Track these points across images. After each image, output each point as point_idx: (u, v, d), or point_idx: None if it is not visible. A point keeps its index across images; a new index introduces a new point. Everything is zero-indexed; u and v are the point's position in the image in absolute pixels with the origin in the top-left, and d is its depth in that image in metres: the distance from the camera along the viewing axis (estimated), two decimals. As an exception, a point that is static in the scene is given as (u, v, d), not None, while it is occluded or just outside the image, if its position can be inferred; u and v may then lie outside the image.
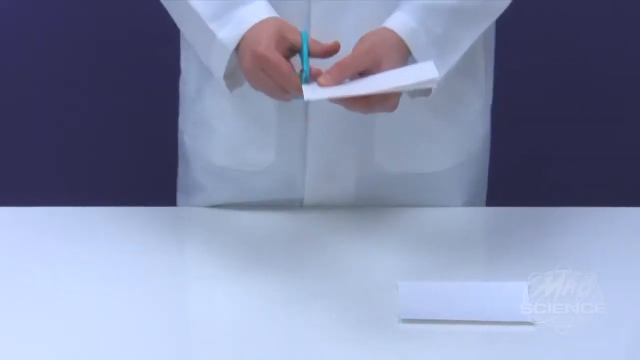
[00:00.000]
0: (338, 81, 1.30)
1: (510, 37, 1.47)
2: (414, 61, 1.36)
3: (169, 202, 1.60)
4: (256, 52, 1.31)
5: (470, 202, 1.60)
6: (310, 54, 1.32)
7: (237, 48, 1.36)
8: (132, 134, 2.29)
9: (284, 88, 1.31)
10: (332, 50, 1.33)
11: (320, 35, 1.37)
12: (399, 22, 1.36)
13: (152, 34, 1.44)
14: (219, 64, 1.38)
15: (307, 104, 1.42)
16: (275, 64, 1.30)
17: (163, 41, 1.47)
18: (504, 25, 1.45)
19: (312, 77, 1.31)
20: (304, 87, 1.29)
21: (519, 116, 2.21)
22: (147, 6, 1.46)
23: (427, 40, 1.36)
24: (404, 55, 1.35)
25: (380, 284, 1.36)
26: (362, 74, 1.32)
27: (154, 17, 1.48)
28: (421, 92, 1.38)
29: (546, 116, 2.27)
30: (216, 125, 1.53)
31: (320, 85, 1.29)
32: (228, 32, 1.36)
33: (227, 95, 1.43)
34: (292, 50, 1.33)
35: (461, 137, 1.55)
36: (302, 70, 1.31)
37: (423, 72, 1.29)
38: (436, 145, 1.53)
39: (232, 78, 1.40)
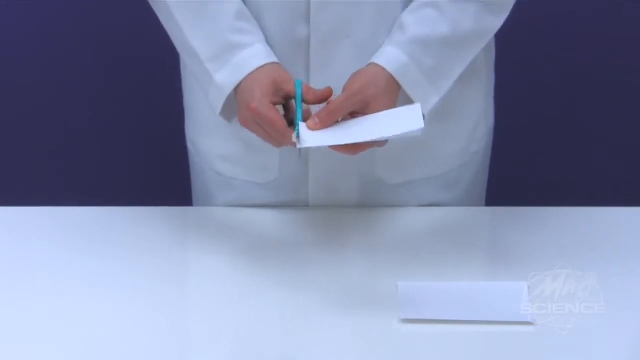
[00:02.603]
0: (326, 125, 1.31)
1: (510, 37, 1.46)
2: (405, 95, 1.36)
3: (177, 203, 1.59)
4: (250, 108, 1.32)
5: (470, 202, 1.60)
6: (304, 102, 1.33)
7: (237, 89, 1.36)
8: (136, 135, 2.30)
9: (279, 142, 1.32)
10: (324, 97, 1.33)
11: (319, 60, 1.39)
12: (389, 57, 1.36)
13: (163, 31, 1.44)
14: (215, 103, 1.39)
15: None
16: (270, 120, 1.31)
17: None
18: (504, 27, 1.45)
19: (303, 119, 1.32)
20: (296, 135, 1.31)
21: (519, 116, 2.21)
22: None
23: (419, 73, 1.36)
24: (394, 93, 1.35)
25: (380, 284, 1.36)
26: (352, 114, 1.33)
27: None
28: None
29: (546, 116, 2.27)
30: (218, 139, 1.54)
31: (309, 128, 1.30)
32: (225, 76, 1.37)
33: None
34: (287, 99, 1.34)
35: (463, 140, 1.55)
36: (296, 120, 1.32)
37: (409, 119, 1.30)
38: (438, 151, 1.53)
39: (229, 109, 1.40)
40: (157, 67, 2.06)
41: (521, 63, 2.17)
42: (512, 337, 1.27)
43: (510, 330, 1.28)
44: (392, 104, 1.34)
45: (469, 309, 1.30)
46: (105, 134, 2.30)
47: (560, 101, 2.26)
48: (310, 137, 1.31)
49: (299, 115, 1.32)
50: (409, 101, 1.37)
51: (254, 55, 1.37)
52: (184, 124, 1.63)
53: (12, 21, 2.19)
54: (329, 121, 1.31)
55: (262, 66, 1.36)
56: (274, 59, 1.38)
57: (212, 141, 1.55)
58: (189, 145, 1.62)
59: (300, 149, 1.32)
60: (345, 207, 1.54)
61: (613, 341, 1.26)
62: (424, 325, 1.28)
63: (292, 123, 1.33)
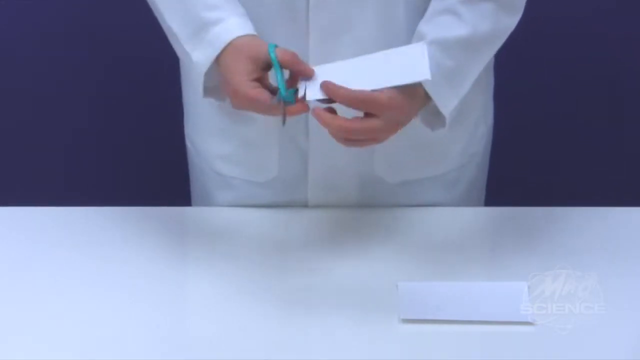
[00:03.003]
0: (340, 91, 1.28)
1: (510, 38, 1.46)
2: (427, 95, 1.34)
3: (176, 203, 1.59)
4: (230, 90, 1.32)
5: (469, 203, 1.60)
6: (282, 67, 1.31)
7: (220, 69, 1.35)
8: (135, 135, 2.30)
9: (268, 115, 1.32)
10: (303, 72, 1.31)
11: (318, 56, 1.38)
12: None
13: (161, 30, 1.45)
14: (197, 84, 1.39)
15: (308, 118, 1.42)
16: (251, 98, 1.30)
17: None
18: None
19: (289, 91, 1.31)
20: (302, 88, 1.29)
21: (518, 116, 2.21)
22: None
23: (439, 74, 1.34)
24: (415, 89, 1.33)
25: (380, 284, 1.36)
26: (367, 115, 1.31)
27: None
28: (438, 124, 1.38)
29: (546, 116, 2.27)
30: (217, 137, 1.54)
31: (323, 86, 1.28)
32: (201, 54, 1.36)
33: (225, 109, 1.44)
34: (269, 67, 1.33)
35: (462, 141, 1.55)
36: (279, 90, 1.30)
37: (415, 65, 1.29)
38: (437, 151, 1.53)
39: (217, 92, 1.40)
40: (157, 67, 2.06)
41: (520, 63, 2.17)
42: (512, 337, 1.27)
43: (510, 330, 1.28)
44: (411, 97, 1.33)
45: (469, 309, 1.30)
46: (104, 134, 2.30)
47: (559, 101, 2.26)
48: (315, 91, 1.29)
49: (279, 79, 1.30)
50: (429, 103, 1.36)
51: (225, 30, 1.35)
52: (183, 123, 1.63)
53: (12, 21, 2.19)
54: (344, 91, 1.28)
55: (235, 40, 1.34)
56: (249, 31, 1.36)
57: (212, 141, 1.55)
58: (188, 144, 1.63)
59: (283, 118, 1.30)
60: (344, 207, 1.54)
61: (613, 341, 1.26)
62: (424, 325, 1.28)
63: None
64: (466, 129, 1.55)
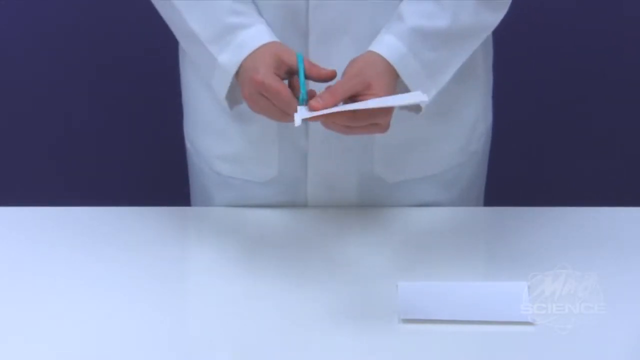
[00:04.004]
0: (329, 105, 1.29)
1: (508, 36, 1.47)
2: (403, 84, 1.36)
3: (175, 203, 1.59)
4: (255, 80, 1.31)
5: (469, 202, 1.60)
6: (306, 77, 1.32)
7: (239, 69, 1.36)
8: (135, 135, 2.30)
9: (285, 111, 1.31)
10: (328, 77, 1.33)
11: (318, 57, 1.38)
12: (388, 47, 1.35)
13: (161, 30, 1.45)
14: (220, 86, 1.39)
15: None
16: (275, 90, 1.30)
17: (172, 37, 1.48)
18: (502, 24, 1.45)
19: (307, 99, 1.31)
20: (300, 104, 1.30)
21: (518, 115, 2.21)
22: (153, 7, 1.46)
23: (417, 64, 1.35)
24: (393, 78, 1.35)
25: (380, 284, 1.36)
26: (354, 99, 1.31)
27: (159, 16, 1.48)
28: (411, 108, 1.39)
29: (545, 116, 2.27)
30: (217, 137, 1.54)
31: (312, 108, 1.29)
32: (229, 56, 1.36)
33: (225, 109, 1.44)
34: (290, 73, 1.34)
35: (462, 139, 1.55)
36: (300, 92, 1.31)
37: (412, 97, 1.30)
38: (436, 150, 1.53)
39: (231, 96, 1.40)
40: (157, 67, 2.06)
41: (519, 62, 2.17)
42: (512, 337, 1.27)
43: (510, 330, 1.28)
44: (393, 86, 1.34)
45: (469, 309, 1.30)
46: (104, 133, 2.30)
47: (559, 100, 2.26)
48: (310, 112, 1.29)
49: (303, 90, 1.31)
50: (406, 92, 1.36)
51: (256, 34, 1.36)
52: (183, 123, 1.63)
53: (12, 21, 2.19)
54: (332, 102, 1.29)
55: (263, 45, 1.35)
56: (276, 39, 1.37)
57: (211, 140, 1.55)
58: (188, 144, 1.63)
59: (302, 120, 1.29)
60: (344, 207, 1.54)
61: (613, 341, 1.26)
62: (424, 325, 1.28)
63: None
64: (465, 128, 1.55)
